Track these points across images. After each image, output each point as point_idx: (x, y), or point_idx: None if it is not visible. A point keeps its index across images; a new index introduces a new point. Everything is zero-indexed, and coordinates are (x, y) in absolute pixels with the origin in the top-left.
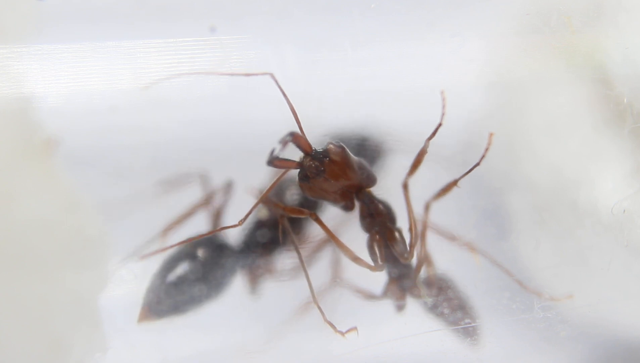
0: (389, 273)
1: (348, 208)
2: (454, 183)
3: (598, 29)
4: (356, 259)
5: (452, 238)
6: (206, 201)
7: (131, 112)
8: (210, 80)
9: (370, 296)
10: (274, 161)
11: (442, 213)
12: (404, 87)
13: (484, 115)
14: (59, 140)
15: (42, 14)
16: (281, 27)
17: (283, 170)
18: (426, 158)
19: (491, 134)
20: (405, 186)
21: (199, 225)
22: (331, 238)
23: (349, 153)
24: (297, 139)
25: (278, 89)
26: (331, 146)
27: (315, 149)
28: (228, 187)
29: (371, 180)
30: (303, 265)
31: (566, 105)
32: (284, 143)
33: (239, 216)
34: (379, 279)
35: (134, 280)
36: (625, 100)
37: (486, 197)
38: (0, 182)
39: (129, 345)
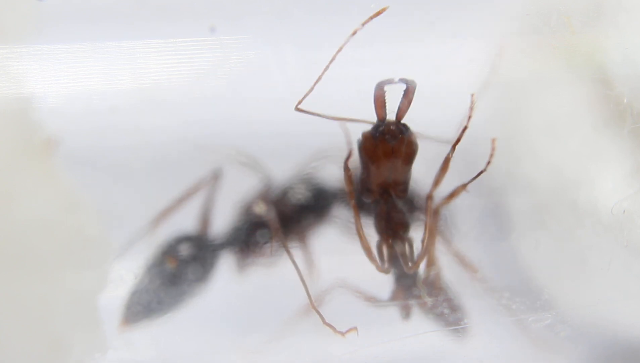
0: (396, 279)
1: (369, 197)
2: (463, 187)
3: (598, 29)
4: (370, 255)
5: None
6: (194, 191)
7: (131, 113)
8: (210, 80)
9: (375, 301)
10: (382, 89)
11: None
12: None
13: (484, 115)
14: (59, 140)
15: (42, 14)
16: (281, 27)
17: None
18: (427, 156)
19: (494, 140)
20: (429, 198)
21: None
22: (357, 226)
23: (414, 157)
24: (411, 91)
25: None
26: (415, 135)
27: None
28: (216, 177)
29: (404, 191)
30: (299, 272)
31: (566, 105)
32: (405, 82)
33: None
34: (380, 282)
35: (134, 280)
36: (625, 100)
37: (486, 197)
38: (0, 182)
39: (129, 345)
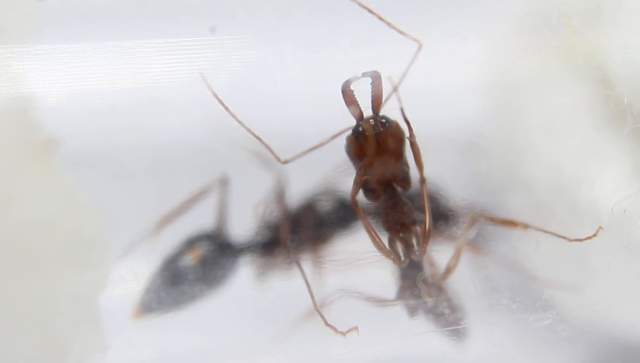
0: (402, 277)
1: (373, 195)
2: (412, 138)
3: (598, 29)
4: (384, 249)
5: (455, 240)
6: (200, 197)
7: (131, 112)
8: (210, 80)
9: (381, 301)
10: (348, 89)
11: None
12: (404, 87)
13: (484, 115)
14: (59, 140)
15: (42, 14)
16: (281, 27)
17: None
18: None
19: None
20: (422, 181)
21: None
22: (365, 224)
23: (404, 145)
24: (377, 81)
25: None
26: (397, 123)
27: (379, 116)
28: (223, 183)
29: (406, 182)
30: (304, 275)
31: (566, 105)
32: (368, 75)
33: (240, 220)
34: (383, 285)
35: (134, 280)
36: (625, 100)
37: (486, 197)
38: (0, 182)
39: (129, 345)
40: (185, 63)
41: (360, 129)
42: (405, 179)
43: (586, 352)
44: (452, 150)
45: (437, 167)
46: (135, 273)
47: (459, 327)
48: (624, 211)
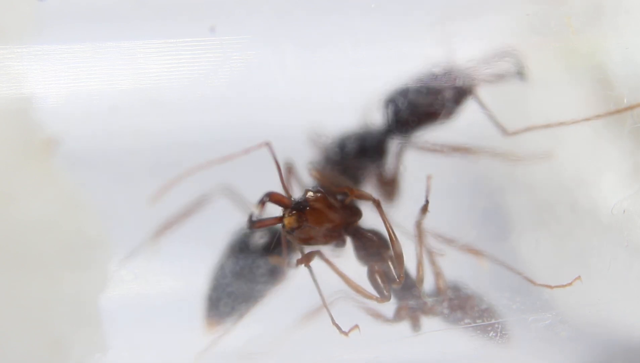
0: (397, 297)
1: (340, 245)
2: (426, 205)
3: (598, 30)
4: (364, 293)
5: (453, 242)
6: (200, 203)
7: (131, 113)
8: (210, 81)
9: (383, 320)
10: (255, 224)
11: (442, 214)
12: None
13: (484, 115)
14: (59, 140)
15: (42, 14)
16: (281, 27)
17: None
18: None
19: (429, 177)
20: (377, 204)
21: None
22: (340, 275)
23: (328, 195)
24: (274, 198)
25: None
26: (309, 194)
27: (294, 201)
28: (226, 191)
29: (356, 214)
30: (311, 272)
31: (566, 105)
32: (261, 204)
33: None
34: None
35: (134, 280)
36: (625, 100)
37: (486, 197)
38: (0, 182)
39: (129, 345)
40: (185, 64)
41: (292, 228)
42: (353, 213)
43: (586, 352)
44: (452, 151)
45: (437, 168)
46: (135, 274)
47: (459, 326)
48: (624, 211)
